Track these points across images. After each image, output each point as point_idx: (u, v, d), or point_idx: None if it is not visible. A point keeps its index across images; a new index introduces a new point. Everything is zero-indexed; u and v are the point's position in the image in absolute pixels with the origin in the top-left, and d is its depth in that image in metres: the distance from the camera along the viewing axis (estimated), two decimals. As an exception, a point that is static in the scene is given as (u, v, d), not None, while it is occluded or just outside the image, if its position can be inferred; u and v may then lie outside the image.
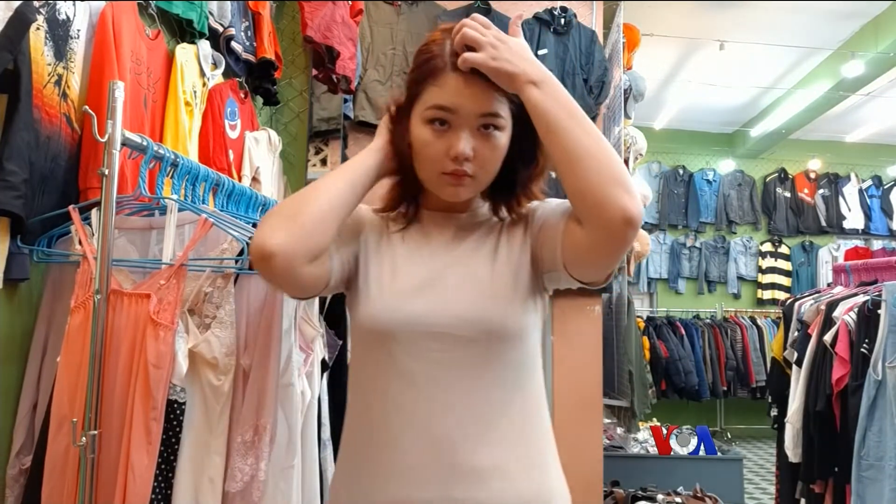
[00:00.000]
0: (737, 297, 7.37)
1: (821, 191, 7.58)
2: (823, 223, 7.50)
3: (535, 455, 0.98)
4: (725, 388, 6.28)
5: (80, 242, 1.24)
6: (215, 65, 2.17)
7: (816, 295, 3.08)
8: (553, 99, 0.90)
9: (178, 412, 1.17)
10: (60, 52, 1.40)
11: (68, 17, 1.43)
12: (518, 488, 0.94)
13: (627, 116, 3.89)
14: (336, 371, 1.89)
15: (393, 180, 1.06)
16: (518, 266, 0.99)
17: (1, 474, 1.29)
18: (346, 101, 3.14)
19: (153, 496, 1.13)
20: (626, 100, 3.76)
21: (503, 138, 0.97)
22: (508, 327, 0.96)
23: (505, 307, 0.96)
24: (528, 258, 1.00)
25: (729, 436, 6.58)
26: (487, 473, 0.93)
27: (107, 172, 1.15)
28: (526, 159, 1.01)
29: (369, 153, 1.02)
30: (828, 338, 2.58)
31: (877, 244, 7.43)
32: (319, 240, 0.92)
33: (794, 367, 2.84)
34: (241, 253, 1.28)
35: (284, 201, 0.97)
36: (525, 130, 0.98)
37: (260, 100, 2.64)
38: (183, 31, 2.02)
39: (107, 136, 1.15)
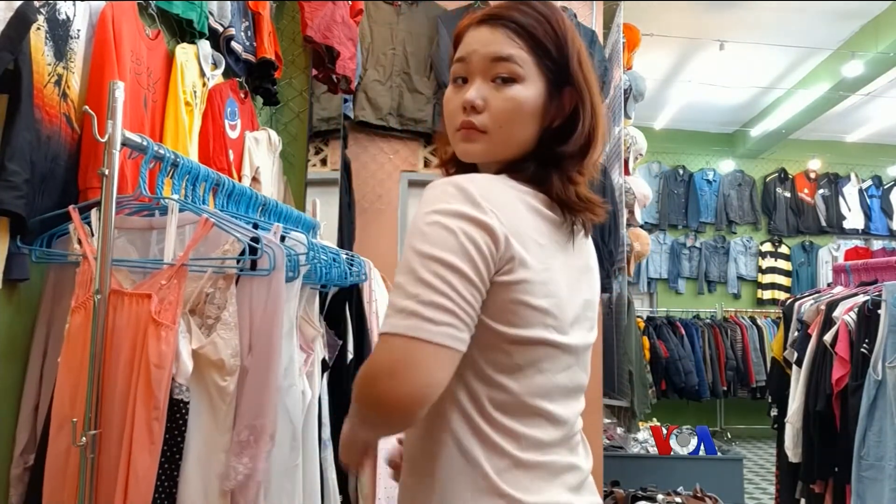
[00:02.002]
0: (737, 297, 7.38)
1: (821, 191, 7.58)
2: (823, 223, 7.50)
3: (430, 467, 0.88)
4: (725, 388, 6.29)
5: (80, 242, 1.24)
6: (215, 65, 2.17)
7: (816, 295, 3.08)
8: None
9: (183, 411, 1.17)
10: (60, 52, 1.40)
11: (68, 17, 1.43)
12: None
13: (627, 116, 3.89)
14: (336, 371, 1.89)
15: None
16: None
17: (4, 472, 1.30)
18: (346, 101, 3.14)
19: (157, 495, 1.13)
20: (626, 100, 3.76)
21: (523, 92, 0.88)
22: None
23: None
24: None
25: (729, 436, 6.58)
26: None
27: (107, 172, 1.15)
28: (562, 131, 0.91)
29: None
30: (828, 338, 2.58)
31: (877, 244, 7.44)
32: None
33: (794, 367, 2.84)
34: (242, 253, 1.28)
35: None
36: (566, 93, 0.91)
37: (260, 100, 2.64)
38: (183, 31, 2.02)
39: (107, 136, 1.15)
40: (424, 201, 0.81)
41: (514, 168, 0.90)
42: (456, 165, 0.98)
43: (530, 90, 0.89)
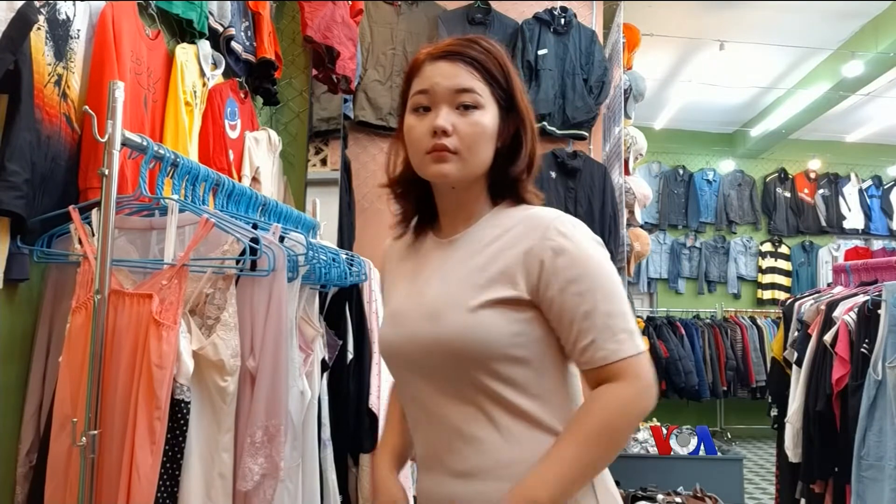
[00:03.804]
0: (737, 297, 7.37)
1: (821, 191, 7.58)
2: (823, 223, 7.49)
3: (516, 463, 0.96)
4: (725, 388, 6.28)
5: (81, 242, 1.25)
6: (215, 65, 2.17)
7: (816, 295, 3.08)
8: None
9: (184, 411, 1.17)
10: (60, 52, 1.40)
11: (68, 17, 1.43)
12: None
13: (627, 116, 3.89)
14: (336, 371, 1.89)
15: (402, 206, 1.12)
16: (497, 285, 0.96)
17: (7, 472, 1.30)
18: (346, 101, 3.15)
19: (159, 494, 1.13)
20: (626, 100, 3.76)
21: (484, 117, 1.00)
22: (464, 342, 0.94)
23: (459, 319, 0.95)
24: (523, 298, 0.95)
25: (729, 436, 6.58)
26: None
27: (107, 172, 1.15)
28: (513, 147, 1.03)
29: None
30: (828, 338, 2.57)
31: (877, 244, 7.43)
32: None
33: (794, 367, 2.84)
34: (242, 254, 1.28)
35: None
36: (511, 118, 1.03)
37: (260, 100, 2.64)
38: (183, 31, 2.02)
39: (107, 136, 1.15)
40: (581, 233, 0.97)
41: (518, 199, 1.05)
42: (403, 186, 1.09)
43: (488, 116, 1.00)
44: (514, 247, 0.97)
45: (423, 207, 1.10)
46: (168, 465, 1.15)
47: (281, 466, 1.25)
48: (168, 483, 1.15)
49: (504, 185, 1.05)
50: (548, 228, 0.96)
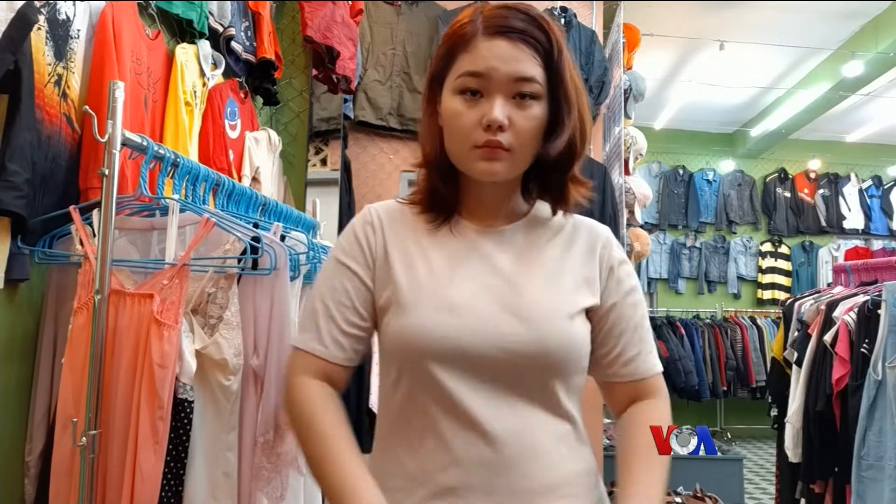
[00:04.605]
0: (737, 297, 7.37)
1: (821, 191, 7.58)
2: (823, 223, 7.49)
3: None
4: (725, 388, 6.28)
5: (82, 243, 1.25)
6: (215, 65, 2.17)
7: (816, 295, 3.08)
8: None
9: (187, 410, 1.17)
10: (60, 52, 1.40)
11: (68, 17, 1.43)
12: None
13: (627, 116, 3.89)
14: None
15: (426, 182, 0.96)
16: (583, 291, 0.93)
17: (12, 472, 1.30)
18: (346, 101, 3.15)
19: (163, 494, 1.14)
20: (626, 100, 3.76)
21: (540, 109, 0.88)
22: (557, 349, 0.89)
23: (561, 326, 0.89)
24: (588, 296, 0.94)
25: (729, 436, 6.58)
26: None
27: (107, 172, 1.15)
28: (556, 130, 0.90)
29: None
30: (828, 338, 2.57)
31: (877, 244, 7.43)
32: None
33: (794, 367, 2.84)
34: (243, 253, 1.29)
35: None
36: (555, 99, 0.90)
37: (260, 100, 2.64)
38: (183, 31, 2.02)
39: (107, 136, 1.15)
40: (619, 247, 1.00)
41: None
42: (436, 169, 0.94)
43: (543, 106, 0.89)
44: (588, 252, 0.96)
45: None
46: (172, 464, 1.16)
47: (299, 462, 1.26)
48: (172, 482, 1.16)
49: (538, 178, 0.94)
50: (609, 237, 0.99)
